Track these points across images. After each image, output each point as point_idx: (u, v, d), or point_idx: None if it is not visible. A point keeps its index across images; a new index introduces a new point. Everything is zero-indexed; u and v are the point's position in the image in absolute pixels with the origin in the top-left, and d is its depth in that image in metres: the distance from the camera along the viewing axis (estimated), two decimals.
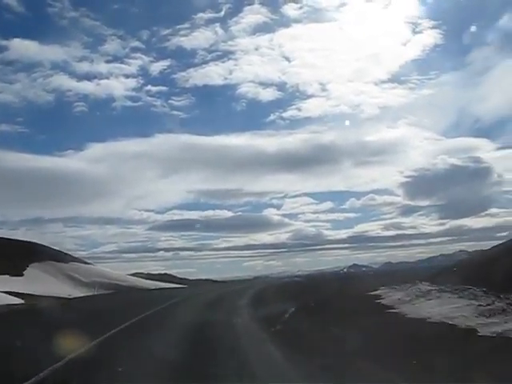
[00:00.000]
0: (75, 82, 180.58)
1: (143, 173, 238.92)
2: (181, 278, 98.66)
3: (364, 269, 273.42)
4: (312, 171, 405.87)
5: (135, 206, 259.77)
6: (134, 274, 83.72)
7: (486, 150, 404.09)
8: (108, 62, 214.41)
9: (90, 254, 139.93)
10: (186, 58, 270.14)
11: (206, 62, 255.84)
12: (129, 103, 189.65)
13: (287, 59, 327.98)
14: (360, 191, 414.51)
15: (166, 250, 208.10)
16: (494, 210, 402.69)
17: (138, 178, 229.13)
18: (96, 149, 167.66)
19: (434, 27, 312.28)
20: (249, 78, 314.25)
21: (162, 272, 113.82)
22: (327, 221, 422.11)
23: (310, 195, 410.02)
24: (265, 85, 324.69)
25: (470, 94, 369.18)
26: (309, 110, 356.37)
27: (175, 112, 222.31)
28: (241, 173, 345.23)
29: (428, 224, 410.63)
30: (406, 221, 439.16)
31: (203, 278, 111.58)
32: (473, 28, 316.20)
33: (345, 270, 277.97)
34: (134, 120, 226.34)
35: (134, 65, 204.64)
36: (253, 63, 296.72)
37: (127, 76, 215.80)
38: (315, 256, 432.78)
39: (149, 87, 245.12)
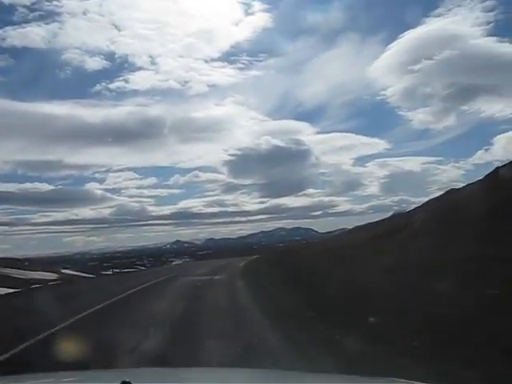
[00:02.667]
0: None
1: None
2: None
3: (186, 245, 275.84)
4: (137, 145, 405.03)
5: None
6: None
7: (307, 134, 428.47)
8: None
9: None
10: (3, 14, 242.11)
11: (27, 22, 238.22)
12: None
13: (117, 28, 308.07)
14: (184, 168, 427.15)
15: None
16: (310, 191, 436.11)
17: None
18: None
19: (265, 10, 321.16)
20: (75, 44, 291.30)
21: None
22: (151, 196, 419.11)
23: (134, 170, 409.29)
24: (92, 53, 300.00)
25: (295, 78, 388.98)
26: (137, 83, 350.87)
27: None
28: (62, 144, 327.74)
29: (249, 202, 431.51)
30: (229, 198, 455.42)
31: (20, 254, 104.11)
32: (301, 16, 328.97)
33: (167, 246, 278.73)
34: None
35: None
36: (80, 29, 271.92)
37: None
38: (138, 232, 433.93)
39: None
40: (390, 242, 21.85)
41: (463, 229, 14.93)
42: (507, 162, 22.73)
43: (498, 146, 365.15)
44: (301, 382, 2.35)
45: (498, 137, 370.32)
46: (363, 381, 2.35)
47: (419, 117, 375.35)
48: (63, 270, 45.13)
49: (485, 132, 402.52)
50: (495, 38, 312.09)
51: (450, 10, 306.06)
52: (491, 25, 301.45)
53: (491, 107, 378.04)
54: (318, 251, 29.51)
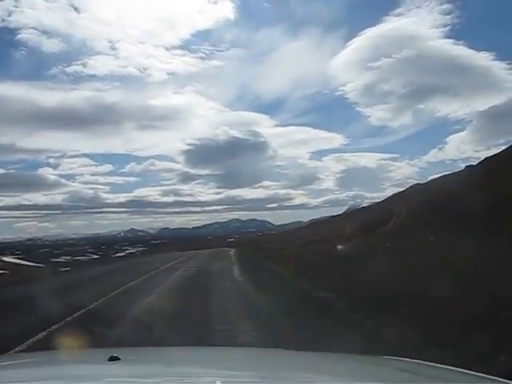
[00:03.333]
0: None
1: None
2: None
3: (141, 233, 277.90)
4: (93, 131, 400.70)
5: None
6: None
7: (265, 126, 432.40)
8: None
9: None
10: None
11: None
12: None
13: (76, 10, 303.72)
14: (141, 156, 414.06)
15: None
16: (266, 183, 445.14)
17: None
18: None
19: (229, 0, 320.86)
20: (31, 23, 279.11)
21: None
22: (106, 184, 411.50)
23: (89, 156, 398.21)
24: (49, 34, 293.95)
25: (255, 70, 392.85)
26: (95, 68, 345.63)
27: None
28: (15, 127, 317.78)
29: (205, 192, 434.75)
30: (185, 188, 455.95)
31: None
32: (264, 7, 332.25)
33: (122, 234, 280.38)
34: None
35: None
36: (37, 8, 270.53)
37: None
38: (92, 219, 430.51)
39: None
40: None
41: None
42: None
43: (451, 145, 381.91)
44: (296, 361, 2.31)
45: (452, 136, 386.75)
46: (360, 360, 2.39)
47: (377, 114, 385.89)
48: (5, 258, 42.23)
49: (439, 131, 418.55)
50: (452, 41, 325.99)
51: (409, 10, 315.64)
52: (448, 27, 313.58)
53: (446, 107, 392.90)
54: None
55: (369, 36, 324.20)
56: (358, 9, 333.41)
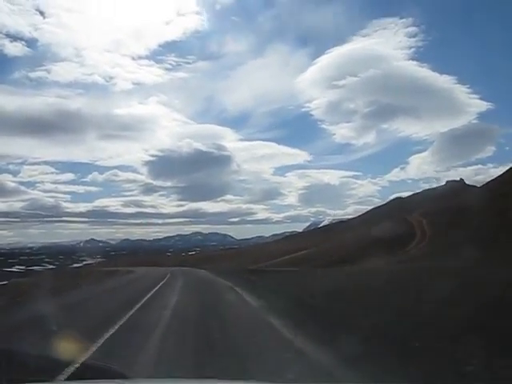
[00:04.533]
0: None
1: None
2: None
3: (101, 244, 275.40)
4: (55, 139, 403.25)
5: None
6: None
7: (230, 140, 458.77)
8: None
9: None
10: None
11: None
12: None
13: (42, 14, 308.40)
14: (104, 165, 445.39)
15: None
16: (229, 197, 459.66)
17: None
18: None
19: (197, 13, 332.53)
20: None
21: None
22: (67, 192, 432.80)
23: (50, 164, 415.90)
24: (12, 37, 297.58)
25: (221, 84, 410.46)
26: (59, 74, 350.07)
27: None
28: None
29: (168, 204, 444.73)
30: (147, 199, 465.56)
31: None
32: (232, 22, 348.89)
33: (81, 244, 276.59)
34: None
35: None
36: (0, 10, 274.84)
37: None
38: (51, 228, 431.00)
39: None
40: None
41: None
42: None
43: (412, 165, 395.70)
44: None
45: (413, 156, 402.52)
46: None
47: (341, 131, 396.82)
48: None
49: (401, 151, 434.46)
50: (416, 63, 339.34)
51: (375, 31, 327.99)
52: (413, 49, 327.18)
53: (408, 128, 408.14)
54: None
55: (335, 54, 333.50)
56: (326, 28, 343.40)
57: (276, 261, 45.83)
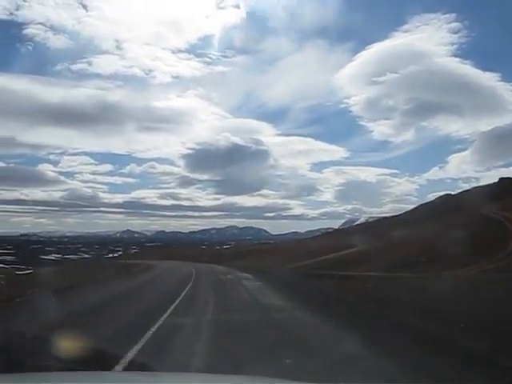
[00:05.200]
0: None
1: None
2: None
3: (136, 235, 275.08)
4: (95, 130, 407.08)
5: None
6: None
7: (267, 135, 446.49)
8: None
9: None
10: None
11: None
12: None
13: (84, 7, 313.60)
14: (141, 157, 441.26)
15: None
16: (265, 191, 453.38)
17: None
18: None
19: (237, 6, 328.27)
20: (39, 19, 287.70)
21: None
22: (105, 183, 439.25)
23: (89, 155, 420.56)
24: (56, 30, 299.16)
25: (259, 78, 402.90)
26: (99, 67, 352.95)
27: None
28: (15, 120, 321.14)
29: (204, 198, 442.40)
30: (183, 192, 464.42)
31: None
32: (272, 16, 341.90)
33: (118, 234, 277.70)
34: None
35: None
36: (45, 4, 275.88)
37: None
38: (89, 218, 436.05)
39: None
40: None
41: None
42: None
43: (451, 164, 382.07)
44: None
45: (453, 156, 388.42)
46: None
47: (379, 128, 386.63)
48: None
49: (441, 150, 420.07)
50: (458, 59, 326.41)
51: (417, 27, 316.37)
52: (455, 46, 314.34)
53: (449, 126, 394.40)
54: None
55: (375, 50, 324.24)
56: (367, 23, 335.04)
57: (319, 259, 42.51)
